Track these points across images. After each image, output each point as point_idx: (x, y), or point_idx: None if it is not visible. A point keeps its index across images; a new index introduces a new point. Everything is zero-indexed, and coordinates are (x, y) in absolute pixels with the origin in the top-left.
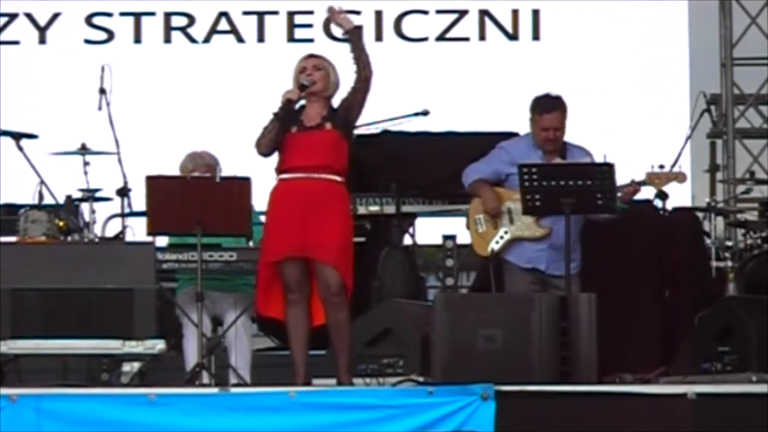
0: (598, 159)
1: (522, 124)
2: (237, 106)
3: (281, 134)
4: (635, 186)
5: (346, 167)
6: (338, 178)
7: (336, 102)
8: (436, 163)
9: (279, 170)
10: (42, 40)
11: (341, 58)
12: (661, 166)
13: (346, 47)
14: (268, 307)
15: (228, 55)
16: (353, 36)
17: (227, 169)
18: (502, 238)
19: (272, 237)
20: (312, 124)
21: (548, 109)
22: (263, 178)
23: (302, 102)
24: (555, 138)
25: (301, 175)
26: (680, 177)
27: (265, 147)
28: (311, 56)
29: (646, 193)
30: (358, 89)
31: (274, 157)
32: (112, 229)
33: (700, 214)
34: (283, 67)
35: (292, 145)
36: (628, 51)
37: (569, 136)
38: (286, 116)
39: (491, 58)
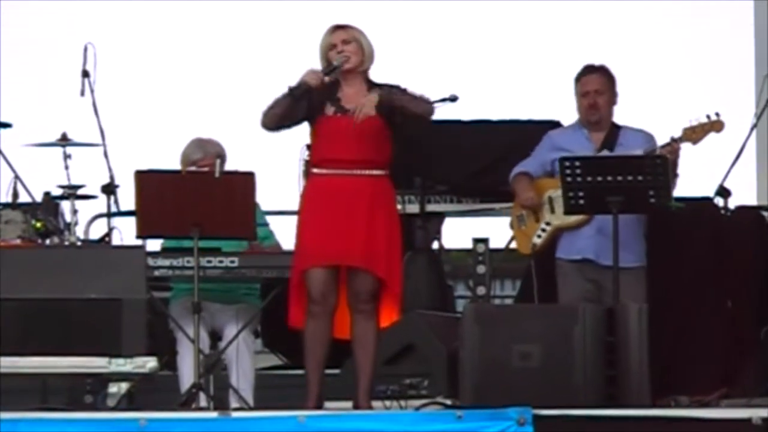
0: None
1: (564, 110)
2: (239, 92)
3: (315, 113)
4: (674, 144)
5: (390, 157)
6: (382, 172)
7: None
8: (467, 156)
9: (314, 161)
10: (17, 17)
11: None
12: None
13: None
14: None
15: (228, 35)
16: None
17: (231, 162)
18: (543, 230)
19: (304, 242)
20: (352, 106)
21: (587, 71)
22: (271, 171)
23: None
24: (597, 104)
25: (342, 172)
26: (716, 125)
27: (270, 120)
28: (338, 28)
29: (706, 189)
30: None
31: (295, 145)
32: (97, 231)
33: (766, 214)
34: (291, 51)
35: (328, 130)
36: (688, 34)
37: (629, 123)
38: (303, 97)
39: (530, 39)
